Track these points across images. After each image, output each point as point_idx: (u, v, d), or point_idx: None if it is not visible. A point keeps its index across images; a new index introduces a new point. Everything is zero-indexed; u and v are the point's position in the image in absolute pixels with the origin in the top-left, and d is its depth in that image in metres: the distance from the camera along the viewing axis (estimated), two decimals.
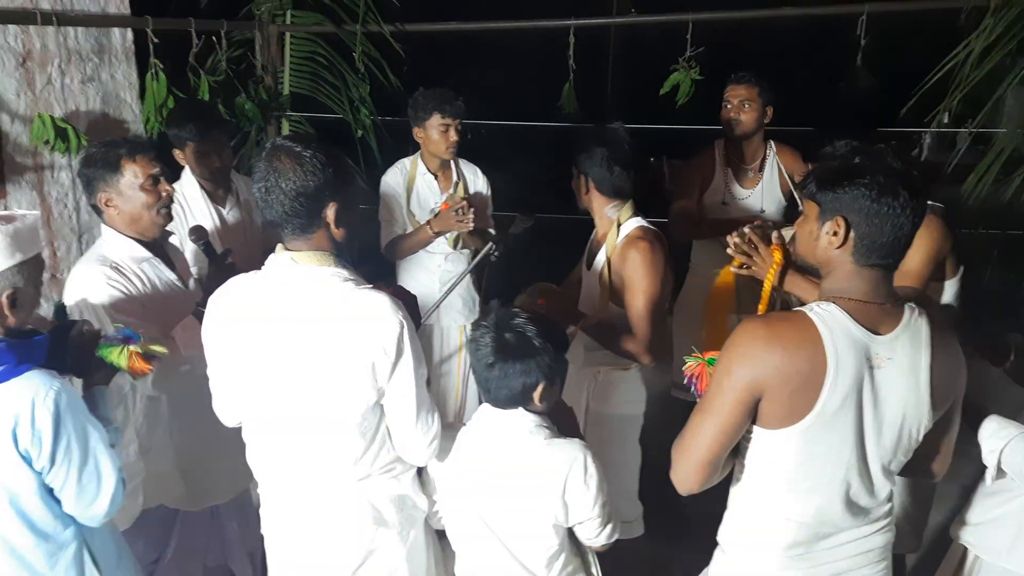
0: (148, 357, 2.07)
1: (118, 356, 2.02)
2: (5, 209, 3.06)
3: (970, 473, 2.22)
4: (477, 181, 3.77)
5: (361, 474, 1.95)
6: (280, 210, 1.79)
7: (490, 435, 2.01)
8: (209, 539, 2.81)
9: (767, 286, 2.13)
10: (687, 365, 1.95)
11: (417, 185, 3.65)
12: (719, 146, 3.78)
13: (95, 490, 1.85)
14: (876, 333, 1.63)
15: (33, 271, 1.89)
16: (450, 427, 2.06)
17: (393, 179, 3.68)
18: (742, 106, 3.59)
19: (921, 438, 1.72)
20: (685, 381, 1.92)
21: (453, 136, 3.49)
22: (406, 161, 3.70)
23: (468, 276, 3.64)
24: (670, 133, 4.69)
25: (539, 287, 2.81)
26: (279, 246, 1.89)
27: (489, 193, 3.77)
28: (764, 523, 1.78)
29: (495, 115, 4.87)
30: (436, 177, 3.66)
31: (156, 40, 3.59)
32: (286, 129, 4.76)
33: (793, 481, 1.71)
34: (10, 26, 3.03)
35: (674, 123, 4.52)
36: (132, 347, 2.04)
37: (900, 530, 2.58)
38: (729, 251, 2.21)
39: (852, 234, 1.62)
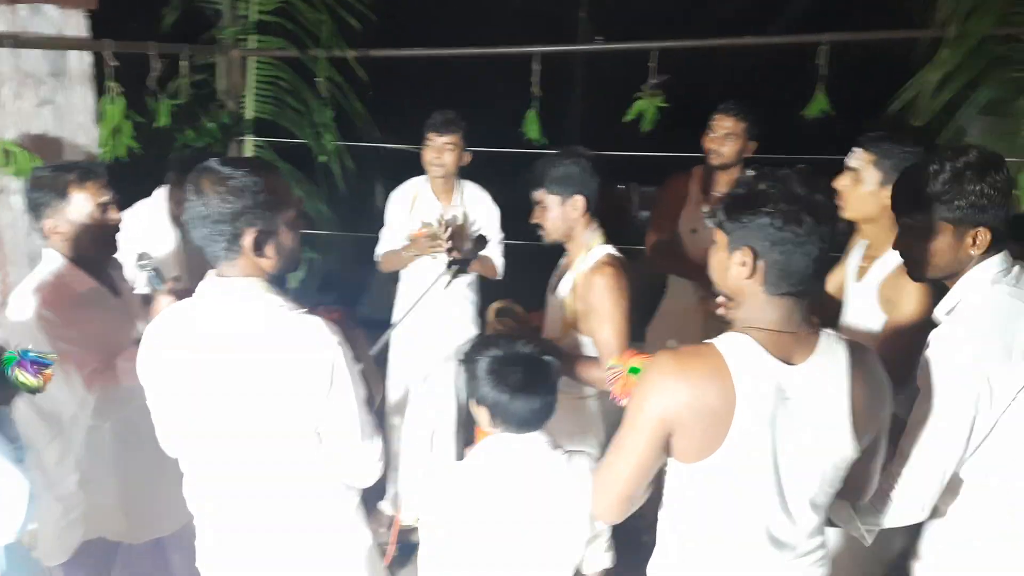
0: (39, 367, 1.99)
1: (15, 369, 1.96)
2: None
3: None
4: (481, 207, 3.76)
5: (299, 504, 1.91)
6: (196, 234, 1.76)
7: (511, 461, 1.99)
8: (152, 572, 2.72)
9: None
10: (609, 369, 1.93)
11: (418, 204, 3.69)
12: (697, 173, 3.77)
13: (3, 503, 1.77)
14: (789, 363, 1.59)
15: None
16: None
17: (400, 194, 3.75)
18: (725, 138, 3.56)
19: (847, 469, 1.68)
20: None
21: (434, 153, 3.54)
22: (416, 180, 3.76)
23: (463, 300, 3.73)
24: (637, 160, 4.70)
25: (498, 308, 2.79)
26: (210, 271, 1.84)
27: (493, 218, 3.76)
28: (687, 557, 1.74)
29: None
30: (438, 197, 3.69)
31: (115, 63, 3.53)
32: (249, 153, 4.71)
33: (710, 514, 1.68)
34: None
35: (640, 150, 4.54)
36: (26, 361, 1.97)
37: (860, 560, 2.51)
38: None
39: (760, 263, 1.58)
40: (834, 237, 1.59)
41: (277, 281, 1.87)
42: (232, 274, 1.79)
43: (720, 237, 1.66)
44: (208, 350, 1.79)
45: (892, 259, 2.46)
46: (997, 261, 1.88)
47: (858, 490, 1.81)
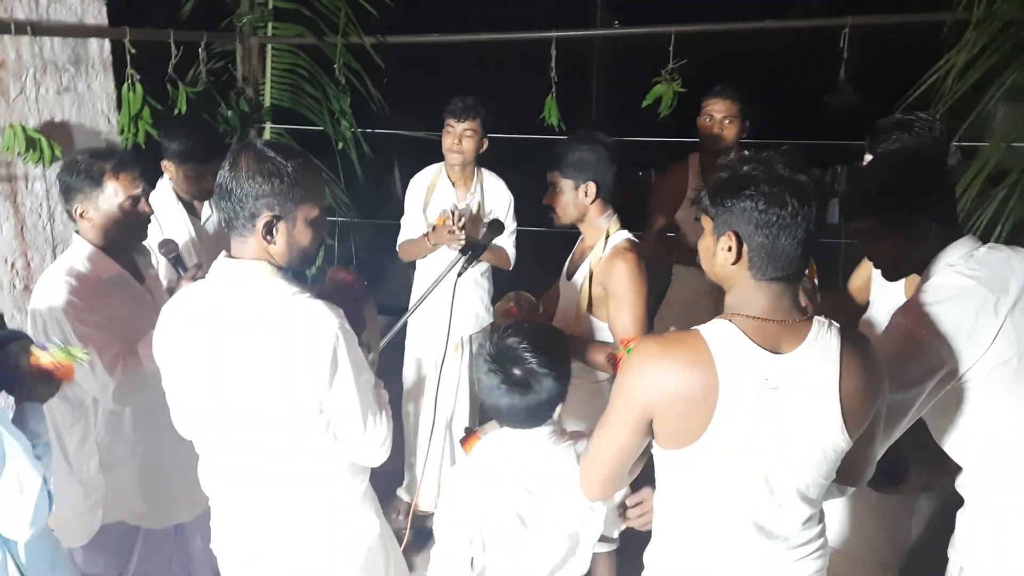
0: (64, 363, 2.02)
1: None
2: None
3: (949, 488, 2.17)
4: (498, 194, 3.74)
5: (307, 487, 1.92)
6: (221, 205, 1.80)
7: (513, 458, 1.98)
8: (172, 556, 2.74)
9: None
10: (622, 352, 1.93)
11: (436, 191, 3.69)
12: (694, 159, 3.74)
13: (16, 502, 1.79)
14: (776, 351, 1.56)
15: None
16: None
17: (418, 182, 3.75)
18: (724, 122, 3.55)
19: (839, 459, 1.65)
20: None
21: (453, 140, 3.52)
22: (434, 167, 3.75)
23: (478, 288, 3.74)
24: (655, 146, 4.67)
25: (510, 297, 2.78)
26: (223, 252, 1.86)
27: (509, 208, 3.75)
28: (679, 544, 1.74)
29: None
30: (455, 184, 3.67)
31: (134, 51, 3.54)
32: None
33: (696, 501, 1.67)
34: None
35: (659, 135, 4.51)
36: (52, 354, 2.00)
37: (877, 551, 2.55)
38: None
39: (745, 248, 1.56)
40: (820, 220, 1.56)
41: (295, 271, 1.88)
42: (243, 255, 1.82)
43: (706, 223, 1.64)
44: (214, 331, 1.81)
45: None
46: (960, 245, 1.89)
47: (852, 479, 1.79)
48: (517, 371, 1.91)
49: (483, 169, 3.74)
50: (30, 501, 1.80)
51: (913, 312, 1.86)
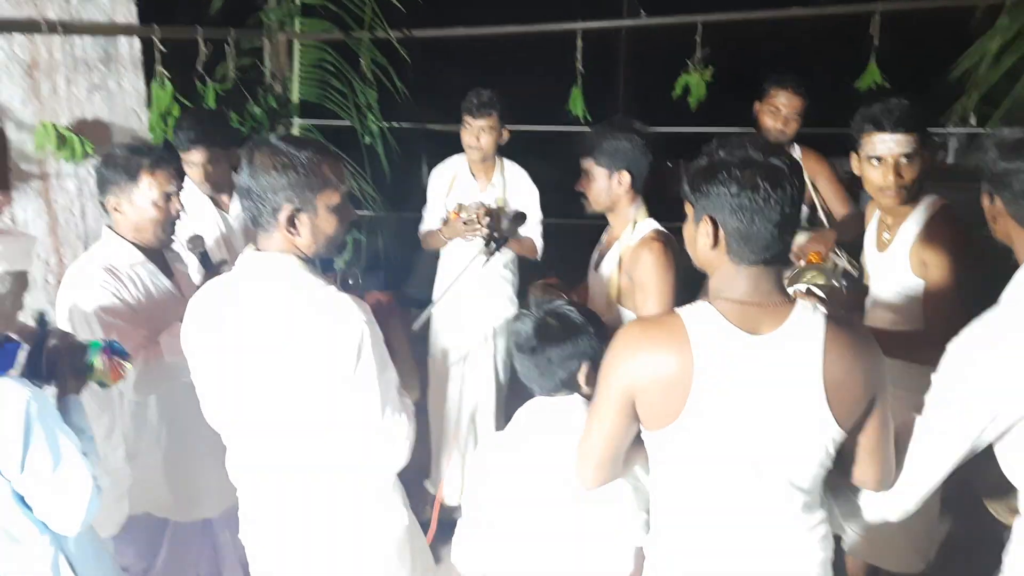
0: (121, 360, 2.06)
1: (97, 360, 2.03)
2: (10, 217, 3.06)
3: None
4: (521, 186, 3.74)
5: (333, 479, 1.93)
6: (243, 203, 1.82)
7: (544, 426, 1.98)
8: (201, 548, 2.78)
9: None
10: None
11: (457, 182, 3.70)
12: None
13: (68, 497, 1.83)
14: (755, 333, 1.55)
15: (16, 285, 1.92)
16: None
17: (439, 174, 3.78)
18: (790, 118, 3.44)
19: (832, 450, 1.61)
20: None
21: (472, 136, 3.53)
22: (456, 158, 3.76)
23: (501, 279, 3.71)
24: (687, 136, 4.64)
25: (540, 285, 2.77)
26: (250, 245, 1.88)
27: (533, 198, 3.74)
28: (672, 530, 1.73)
29: (506, 119, 4.85)
30: (476, 176, 3.69)
31: (164, 49, 3.58)
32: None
33: (684, 485, 1.66)
34: (16, 35, 3.03)
35: (688, 125, 4.47)
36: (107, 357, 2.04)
37: (897, 547, 2.51)
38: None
39: (721, 232, 1.56)
40: (797, 201, 1.54)
41: (323, 263, 1.89)
42: (268, 248, 1.83)
43: (688, 209, 1.65)
44: (242, 323, 1.82)
45: (917, 220, 2.45)
46: None
47: (851, 467, 1.72)
48: (553, 320, 1.95)
49: (505, 160, 3.74)
50: (83, 497, 1.84)
51: None
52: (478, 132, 3.52)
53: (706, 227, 1.57)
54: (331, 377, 1.79)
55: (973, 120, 3.45)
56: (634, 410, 1.64)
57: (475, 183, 3.68)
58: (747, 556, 1.66)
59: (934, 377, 1.70)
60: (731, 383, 1.54)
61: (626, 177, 2.58)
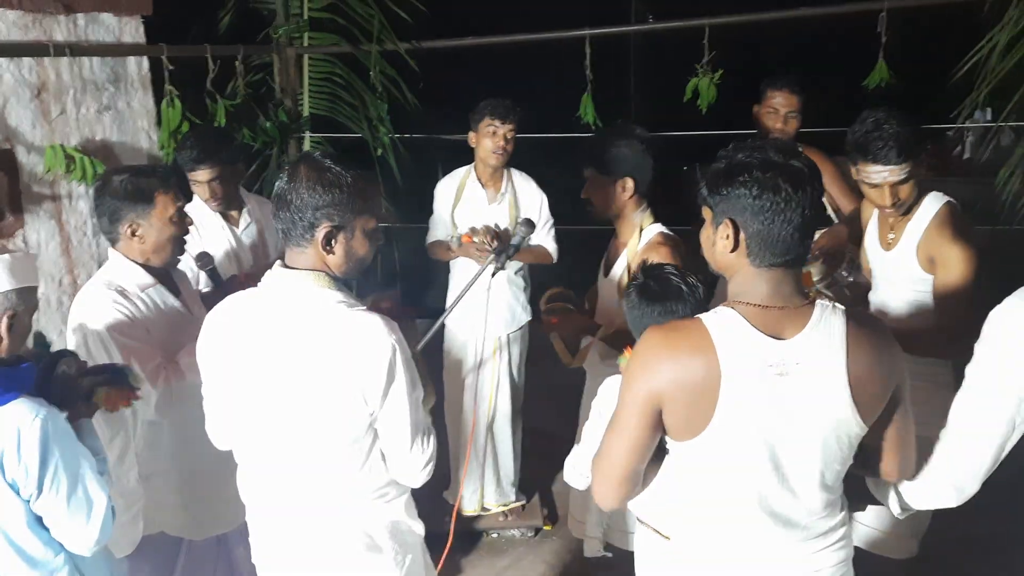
0: (124, 393, 2.06)
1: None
2: (23, 239, 3.09)
3: None
4: (531, 193, 3.73)
5: (351, 498, 1.91)
6: (280, 215, 1.81)
7: None
8: (216, 565, 2.78)
9: None
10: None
11: (465, 193, 3.69)
12: None
13: (84, 518, 1.84)
14: (779, 337, 1.56)
15: (29, 301, 1.92)
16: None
17: (445, 185, 3.76)
18: (788, 117, 3.48)
19: (855, 444, 1.63)
20: None
21: (499, 141, 3.51)
22: (462, 169, 3.75)
23: (513, 287, 3.72)
24: (698, 140, 4.62)
25: (550, 295, 2.77)
26: (278, 261, 1.87)
27: (543, 205, 3.74)
28: (696, 535, 1.72)
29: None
30: (485, 187, 3.67)
31: (172, 67, 3.61)
32: (307, 150, 4.78)
33: (710, 492, 1.65)
34: (25, 58, 3.07)
35: (701, 129, 4.45)
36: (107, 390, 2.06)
37: (894, 533, 2.55)
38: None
39: (742, 235, 1.56)
40: (816, 203, 1.55)
41: (345, 281, 1.89)
42: (298, 264, 1.83)
43: (706, 213, 1.65)
44: (267, 340, 1.82)
45: (924, 216, 2.49)
46: None
47: (875, 461, 1.74)
48: (654, 284, 2.00)
49: (512, 169, 3.73)
50: (98, 518, 1.86)
51: None
52: (504, 136, 3.51)
53: (726, 230, 1.58)
54: (361, 397, 1.79)
55: (989, 115, 3.41)
56: (658, 420, 1.62)
57: (484, 193, 3.66)
58: (773, 560, 1.67)
59: (976, 347, 1.72)
60: (759, 389, 1.54)
61: (630, 183, 2.58)
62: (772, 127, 3.50)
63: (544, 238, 3.68)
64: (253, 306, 1.87)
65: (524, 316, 3.79)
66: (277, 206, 1.81)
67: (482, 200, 3.66)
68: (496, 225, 3.57)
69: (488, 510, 3.92)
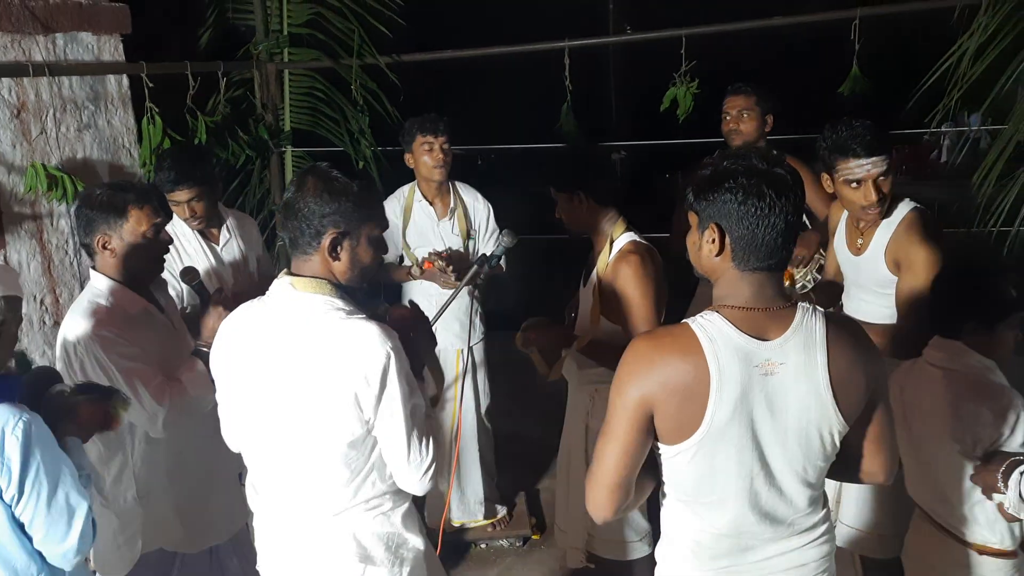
0: (101, 409, 2.06)
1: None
2: (4, 259, 3.08)
3: None
4: (477, 205, 3.73)
5: (345, 507, 1.92)
6: (287, 224, 1.86)
7: None
8: None
9: None
10: None
11: (414, 213, 3.64)
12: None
13: (65, 525, 1.83)
14: (763, 339, 1.60)
15: (14, 311, 1.92)
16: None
17: (391, 208, 3.65)
18: (740, 116, 3.60)
19: (838, 442, 1.68)
20: None
21: (437, 155, 3.49)
22: (404, 189, 3.70)
23: (465, 300, 3.63)
24: (678, 148, 4.67)
25: (526, 325, 2.79)
26: (283, 270, 1.92)
27: (490, 215, 3.75)
28: (685, 537, 1.76)
29: (498, 139, 4.88)
30: (432, 204, 3.64)
31: (151, 85, 3.60)
32: (289, 164, 4.79)
33: (700, 494, 1.69)
34: (4, 79, 3.06)
35: (681, 138, 4.50)
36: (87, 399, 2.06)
37: (883, 534, 2.61)
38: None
39: (728, 239, 1.61)
40: (798, 209, 1.60)
41: (350, 290, 1.92)
42: (304, 272, 1.87)
43: (692, 218, 1.68)
44: (273, 347, 1.86)
45: (893, 221, 2.58)
46: None
47: (858, 462, 1.78)
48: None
49: (455, 182, 3.71)
50: (77, 528, 1.85)
51: None
52: (441, 147, 3.49)
53: (712, 234, 1.62)
54: (354, 405, 1.81)
55: (977, 122, 3.45)
56: (649, 425, 1.65)
57: (432, 210, 3.63)
58: (761, 556, 1.72)
59: None
60: (746, 390, 1.58)
61: (583, 196, 2.62)
62: (731, 130, 3.62)
63: (492, 249, 3.67)
64: (259, 313, 1.92)
65: (480, 329, 3.77)
66: (285, 215, 1.86)
67: (432, 218, 3.63)
68: (449, 248, 3.56)
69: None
